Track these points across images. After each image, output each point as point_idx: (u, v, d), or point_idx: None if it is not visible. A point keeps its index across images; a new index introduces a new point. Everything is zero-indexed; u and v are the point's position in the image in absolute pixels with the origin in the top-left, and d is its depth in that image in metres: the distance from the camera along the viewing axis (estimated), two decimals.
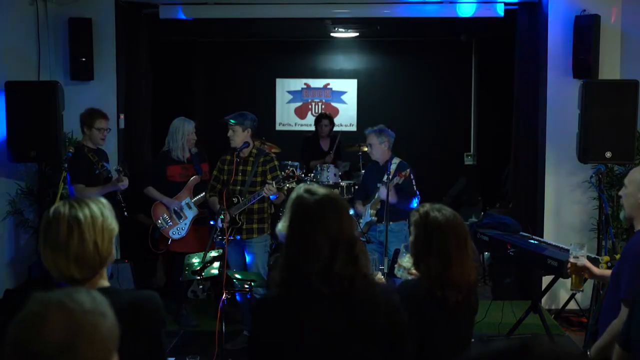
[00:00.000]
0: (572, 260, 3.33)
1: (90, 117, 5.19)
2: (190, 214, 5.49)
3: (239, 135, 5.00)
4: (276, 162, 5.12)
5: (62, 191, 4.62)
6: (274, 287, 2.08)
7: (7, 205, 5.62)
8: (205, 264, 4.08)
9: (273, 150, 6.92)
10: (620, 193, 3.00)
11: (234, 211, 4.96)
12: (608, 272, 3.24)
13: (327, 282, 1.99)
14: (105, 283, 1.99)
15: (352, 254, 2.03)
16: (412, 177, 5.19)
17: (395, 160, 5.43)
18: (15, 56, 5.77)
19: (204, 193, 5.39)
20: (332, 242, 2.01)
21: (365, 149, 7.90)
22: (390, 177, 5.08)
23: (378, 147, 5.44)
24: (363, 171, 7.63)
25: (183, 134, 5.45)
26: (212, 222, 5.32)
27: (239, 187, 5.03)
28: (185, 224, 5.48)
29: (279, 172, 4.95)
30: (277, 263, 2.92)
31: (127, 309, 1.81)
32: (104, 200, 2.00)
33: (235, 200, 5.00)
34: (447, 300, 2.46)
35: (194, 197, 5.51)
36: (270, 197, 4.92)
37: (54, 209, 1.93)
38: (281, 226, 2.98)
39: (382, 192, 5.07)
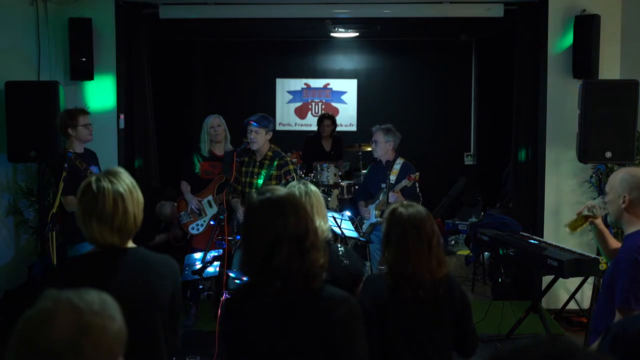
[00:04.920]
0: (585, 212, 3.10)
1: (72, 116, 4.88)
2: (210, 211, 5.57)
3: (262, 138, 5.05)
4: (291, 167, 5.10)
5: (61, 191, 4.59)
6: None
7: (7, 205, 5.62)
8: (205, 264, 4.08)
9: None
10: (605, 200, 2.98)
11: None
12: (615, 242, 3.16)
13: (262, 277, 2.00)
14: (132, 244, 2.25)
15: (298, 249, 1.99)
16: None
17: (399, 161, 5.43)
18: (15, 56, 5.77)
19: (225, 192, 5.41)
20: (273, 238, 1.98)
21: (368, 148, 7.93)
22: (394, 177, 5.08)
23: (383, 145, 5.44)
24: (364, 171, 7.65)
25: (204, 128, 5.62)
26: (212, 222, 5.32)
27: (253, 190, 5.02)
28: (204, 221, 5.59)
29: (294, 175, 4.96)
30: None
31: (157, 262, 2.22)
32: (127, 175, 2.23)
33: None
34: (402, 293, 2.50)
35: (216, 195, 5.57)
36: None
37: (96, 184, 2.15)
38: None
39: (391, 196, 5.07)
